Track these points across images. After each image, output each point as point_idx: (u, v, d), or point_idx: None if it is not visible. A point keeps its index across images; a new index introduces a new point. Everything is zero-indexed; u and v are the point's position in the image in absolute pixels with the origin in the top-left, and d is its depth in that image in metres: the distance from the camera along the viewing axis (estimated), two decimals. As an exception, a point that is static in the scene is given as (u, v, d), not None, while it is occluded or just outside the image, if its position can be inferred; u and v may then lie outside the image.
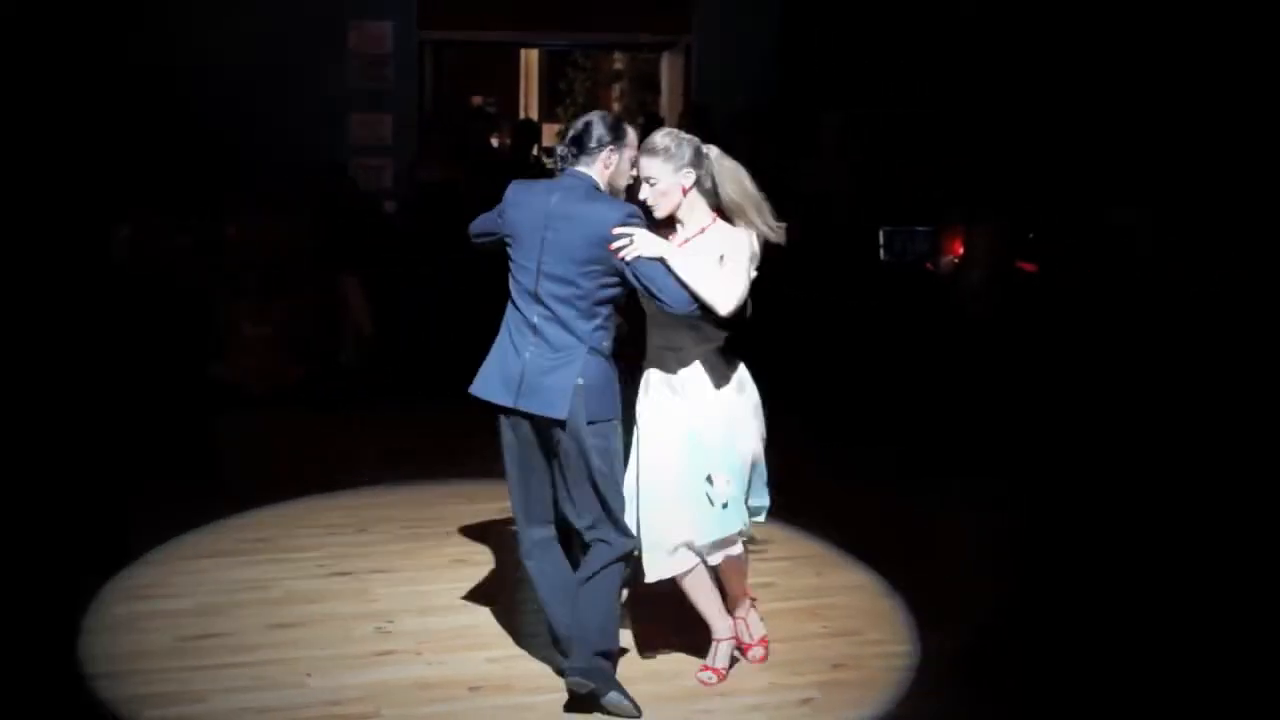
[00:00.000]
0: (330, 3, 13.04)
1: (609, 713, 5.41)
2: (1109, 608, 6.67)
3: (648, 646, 5.95)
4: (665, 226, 5.54)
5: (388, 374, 11.00)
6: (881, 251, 12.44)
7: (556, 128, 18.47)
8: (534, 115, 18.23)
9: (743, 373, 5.68)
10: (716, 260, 5.39)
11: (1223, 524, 7.86)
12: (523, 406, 5.39)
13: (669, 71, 14.72)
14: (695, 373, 5.56)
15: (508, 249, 5.48)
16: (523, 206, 5.46)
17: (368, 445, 9.54)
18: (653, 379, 5.62)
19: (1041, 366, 10.71)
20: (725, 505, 5.53)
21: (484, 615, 6.38)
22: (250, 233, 11.41)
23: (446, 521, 7.74)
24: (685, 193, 5.50)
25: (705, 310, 5.32)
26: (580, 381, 5.31)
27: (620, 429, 5.47)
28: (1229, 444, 9.24)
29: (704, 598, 5.69)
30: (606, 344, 5.40)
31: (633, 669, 5.72)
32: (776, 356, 10.80)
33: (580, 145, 5.47)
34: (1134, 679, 5.90)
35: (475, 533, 7.49)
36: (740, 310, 5.39)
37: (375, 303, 11.44)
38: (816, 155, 13.14)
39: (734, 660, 5.82)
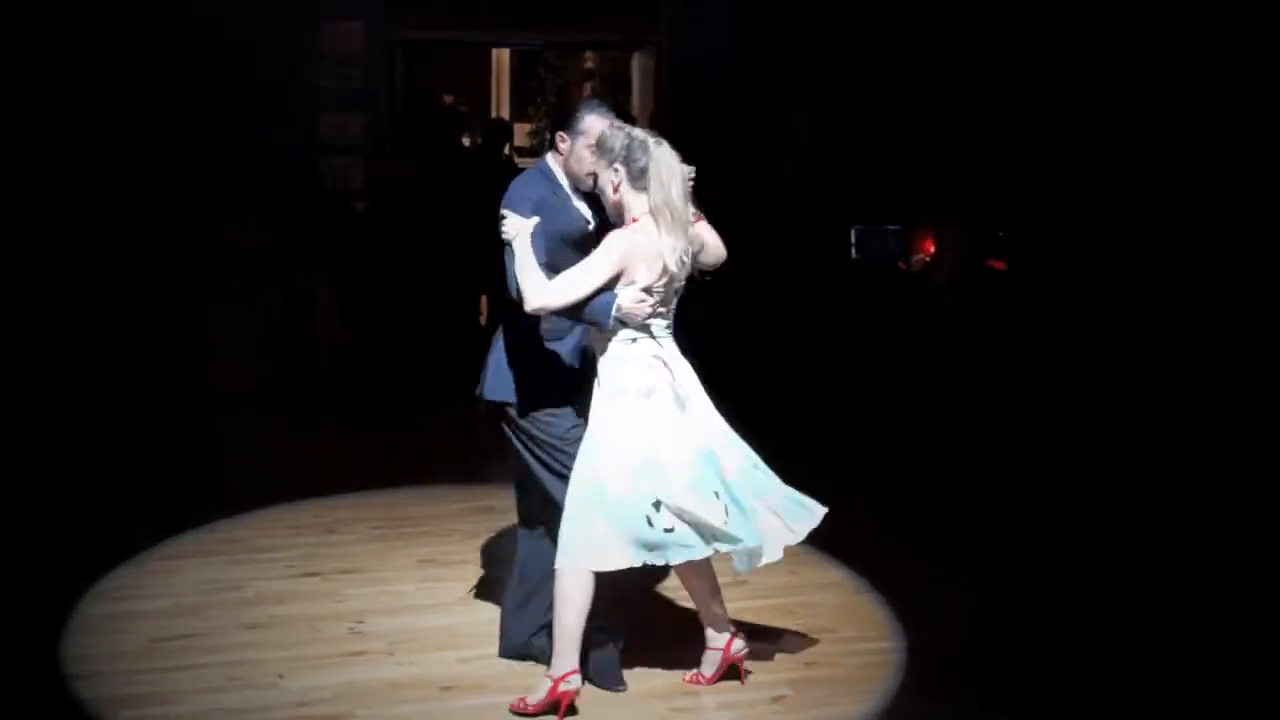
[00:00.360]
0: (301, 1, 12.99)
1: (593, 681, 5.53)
2: (1090, 606, 6.67)
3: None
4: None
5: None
6: (853, 250, 12.46)
7: (529, 127, 18.45)
8: (505, 114, 18.20)
9: (624, 382, 5.26)
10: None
11: (1203, 516, 7.90)
12: None
13: (640, 71, 14.72)
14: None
15: None
16: None
17: (338, 447, 9.52)
18: None
19: (1015, 363, 10.75)
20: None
21: (455, 616, 6.37)
22: (225, 234, 11.38)
23: (416, 522, 7.73)
24: (616, 189, 5.30)
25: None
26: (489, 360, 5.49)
27: (536, 419, 5.43)
28: (1207, 437, 9.30)
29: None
30: None
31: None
32: (753, 355, 10.94)
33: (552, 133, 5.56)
34: (1118, 676, 5.91)
35: (445, 534, 7.49)
36: (574, 309, 5.16)
37: (348, 303, 11.43)
38: (787, 154, 13.16)
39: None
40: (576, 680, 5.31)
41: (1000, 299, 11.58)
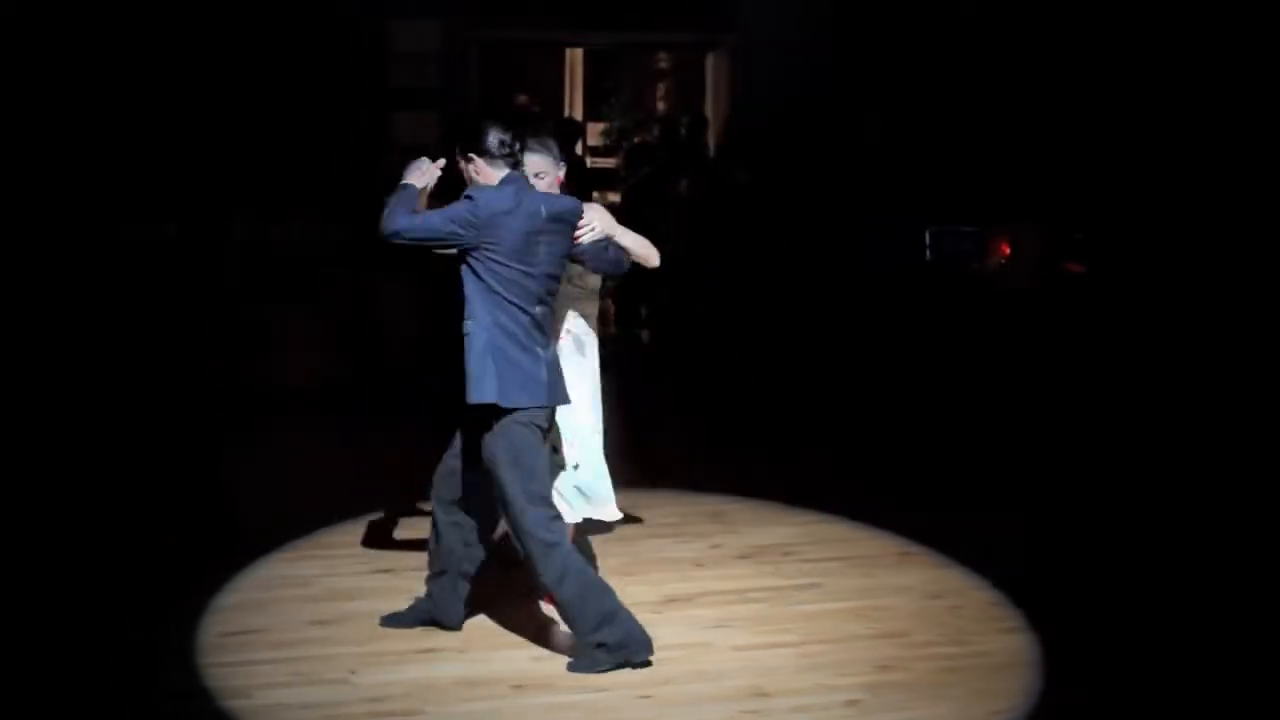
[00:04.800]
0: (375, 1, 13.01)
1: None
2: (1170, 609, 6.59)
3: (692, 647, 5.91)
4: None
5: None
6: (928, 252, 12.36)
7: (601, 126, 18.41)
8: (579, 114, 18.18)
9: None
10: None
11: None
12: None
13: (714, 71, 14.69)
14: None
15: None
16: None
17: (409, 444, 9.48)
18: None
19: (1093, 366, 10.67)
20: None
21: (527, 613, 6.33)
22: (293, 233, 11.43)
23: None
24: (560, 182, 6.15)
25: None
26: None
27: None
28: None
29: None
30: None
31: (678, 669, 5.71)
32: (826, 355, 10.89)
33: None
34: (1189, 680, 5.83)
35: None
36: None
37: (418, 302, 11.43)
38: (859, 154, 13.08)
39: None
40: None
41: (1078, 302, 11.48)
